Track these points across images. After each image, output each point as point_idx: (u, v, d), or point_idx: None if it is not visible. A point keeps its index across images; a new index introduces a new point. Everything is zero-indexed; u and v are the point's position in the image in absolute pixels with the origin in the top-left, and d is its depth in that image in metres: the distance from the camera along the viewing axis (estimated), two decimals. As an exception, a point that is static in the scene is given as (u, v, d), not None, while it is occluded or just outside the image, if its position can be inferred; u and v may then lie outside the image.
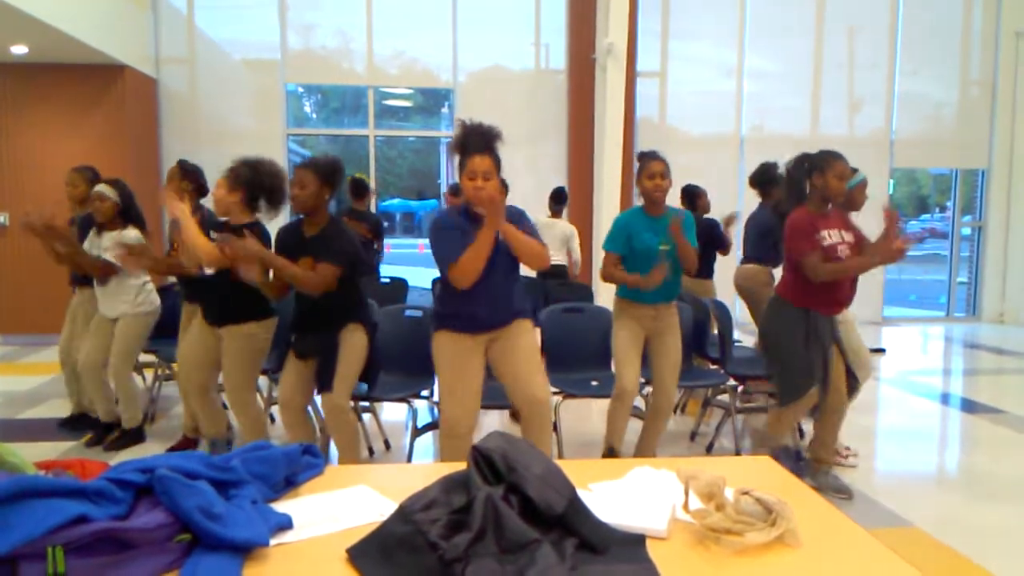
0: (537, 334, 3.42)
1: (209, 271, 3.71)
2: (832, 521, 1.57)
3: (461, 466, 1.53)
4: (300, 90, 9.90)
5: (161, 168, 8.47)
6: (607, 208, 8.26)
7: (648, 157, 3.85)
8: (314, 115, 10.67)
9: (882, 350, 8.10)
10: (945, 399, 6.19)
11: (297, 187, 3.54)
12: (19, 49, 6.98)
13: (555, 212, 7.06)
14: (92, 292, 4.62)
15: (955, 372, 7.60)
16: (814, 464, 3.92)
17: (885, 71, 9.84)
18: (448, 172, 9.79)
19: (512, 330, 3.34)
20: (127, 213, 4.46)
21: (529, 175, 9.06)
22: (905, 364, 7.59)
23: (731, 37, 9.56)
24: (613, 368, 4.00)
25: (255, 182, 3.75)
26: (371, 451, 4.54)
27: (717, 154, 9.61)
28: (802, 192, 3.73)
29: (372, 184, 8.53)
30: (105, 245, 4.40)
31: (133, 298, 4.48)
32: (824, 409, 3.84)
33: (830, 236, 3.65)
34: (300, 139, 9.65)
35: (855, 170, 4.19)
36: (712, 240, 6.10)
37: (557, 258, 7.11)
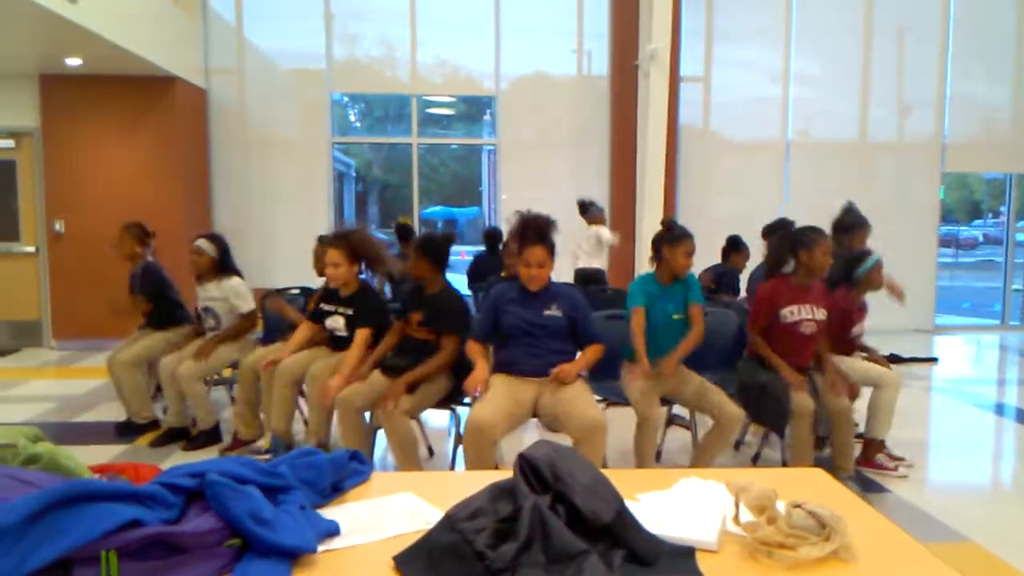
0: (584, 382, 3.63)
1: (342, 332, 4.17)
2: (888, 535, 1.53)
3: (486, 473, 1.53)
4: (345, 99, 10.01)
5: (211, 177, 8.64)
6: (649, 214, 8.19)
7: (685, 235, 3.85)
8: (358, 123, 10.77)
9: (935, 359, 7.89)
10: (1000, 409, 6.01)
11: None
12: (73, 61, 7.18)
13: (587, 221, 7.10)
14: (163, 335, 4.93)
15: (1010, 382, 7.38)
16: (833, 473, 3.81)
17: (936, 74, 9.62)
18: (490, 180, 9.81)
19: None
20: (223, 264, 4.68)
21: (571, 182, 9.05)
22: (958, 373, 7.39)
23: (777, 41, 9.43)
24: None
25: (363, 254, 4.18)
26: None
27: (762, 160, 9.48)
28: (781, 264, 3.93)
29: (415, 192, 8.62)
30: (209, 295, 4.66)
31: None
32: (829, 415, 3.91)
33: (793, 313, 3.82)
34: (344, 147, 9.75)
35: (869, 252, 4.21)
36: (721, 287, 6.05)
37: (595, 263, 7.09)
